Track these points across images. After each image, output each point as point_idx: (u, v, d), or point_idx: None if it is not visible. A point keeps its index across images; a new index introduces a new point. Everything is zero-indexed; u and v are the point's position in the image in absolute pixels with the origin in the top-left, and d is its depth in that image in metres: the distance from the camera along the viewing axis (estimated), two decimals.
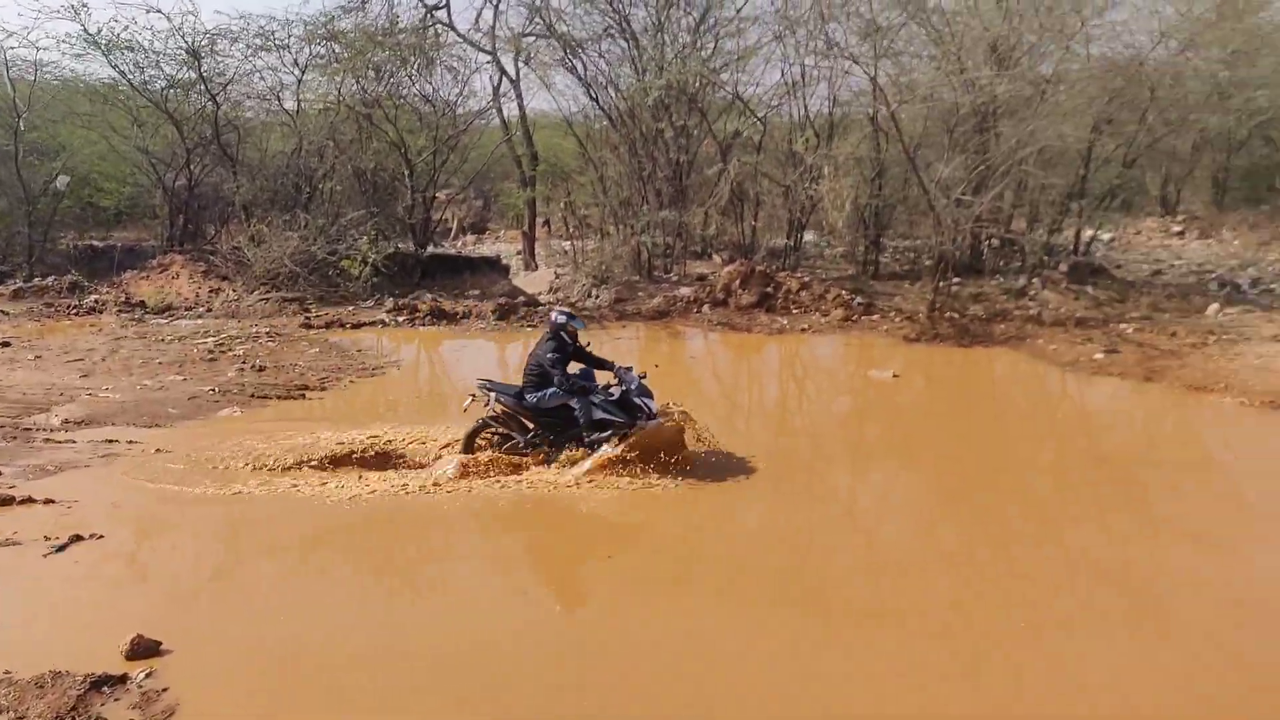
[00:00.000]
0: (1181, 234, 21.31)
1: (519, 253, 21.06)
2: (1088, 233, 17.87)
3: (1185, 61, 16.93)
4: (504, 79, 18.92)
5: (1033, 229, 17.30)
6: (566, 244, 18.86)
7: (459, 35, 18.71)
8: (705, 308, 15.34)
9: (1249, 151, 23.02)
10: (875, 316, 15.03)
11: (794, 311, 15.20)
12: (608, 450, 7.86)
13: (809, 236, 19.15)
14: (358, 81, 18.54)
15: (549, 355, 8.14)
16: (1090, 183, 17.09)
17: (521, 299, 16.20)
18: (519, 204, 21.50)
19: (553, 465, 8.07)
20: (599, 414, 8.08)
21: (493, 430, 8.44)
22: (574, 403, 8.16)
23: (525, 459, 8.22)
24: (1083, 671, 4.73)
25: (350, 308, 16.13)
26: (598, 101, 18.26)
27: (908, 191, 16.57)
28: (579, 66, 17.95)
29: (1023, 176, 16.09)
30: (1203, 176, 23.76)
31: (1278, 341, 13.34)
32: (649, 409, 7.99)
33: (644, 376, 8.22)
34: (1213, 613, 5.43)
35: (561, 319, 8.29)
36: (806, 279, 16.16)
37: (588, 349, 8.60)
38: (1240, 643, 5.08)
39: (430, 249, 19.96)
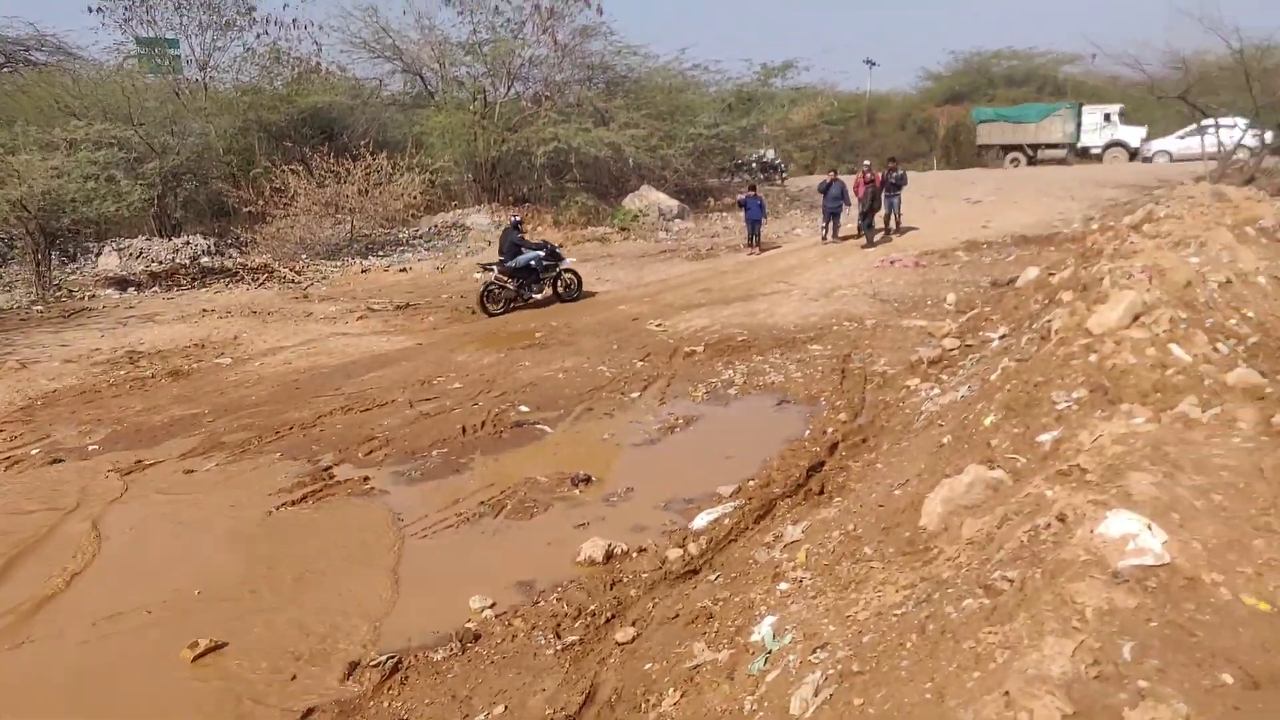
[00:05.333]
0: None
1: None
2: None
3: None
4: None
5: None
6: None
7: None
8: None
9: None
10: None
11: None
12: (547, 289, 16.10)
13: None
14: None
15: (520, 237, 15.81)
16: None
17: None
18: None
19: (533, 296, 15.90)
20: (547, 262, 15.76)
21: (494, 287, 15.29)
22: (534, 262, 15.49)
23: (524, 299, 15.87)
24: None
25: None
26: None
27: None
28: None
29: None
30: None
31: None
32: (564, 259, 16.35)
33: (560, 246, 17.36)
34: None
35: (517, 220, 16.74)
36: None
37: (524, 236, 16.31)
38: None
39: None
